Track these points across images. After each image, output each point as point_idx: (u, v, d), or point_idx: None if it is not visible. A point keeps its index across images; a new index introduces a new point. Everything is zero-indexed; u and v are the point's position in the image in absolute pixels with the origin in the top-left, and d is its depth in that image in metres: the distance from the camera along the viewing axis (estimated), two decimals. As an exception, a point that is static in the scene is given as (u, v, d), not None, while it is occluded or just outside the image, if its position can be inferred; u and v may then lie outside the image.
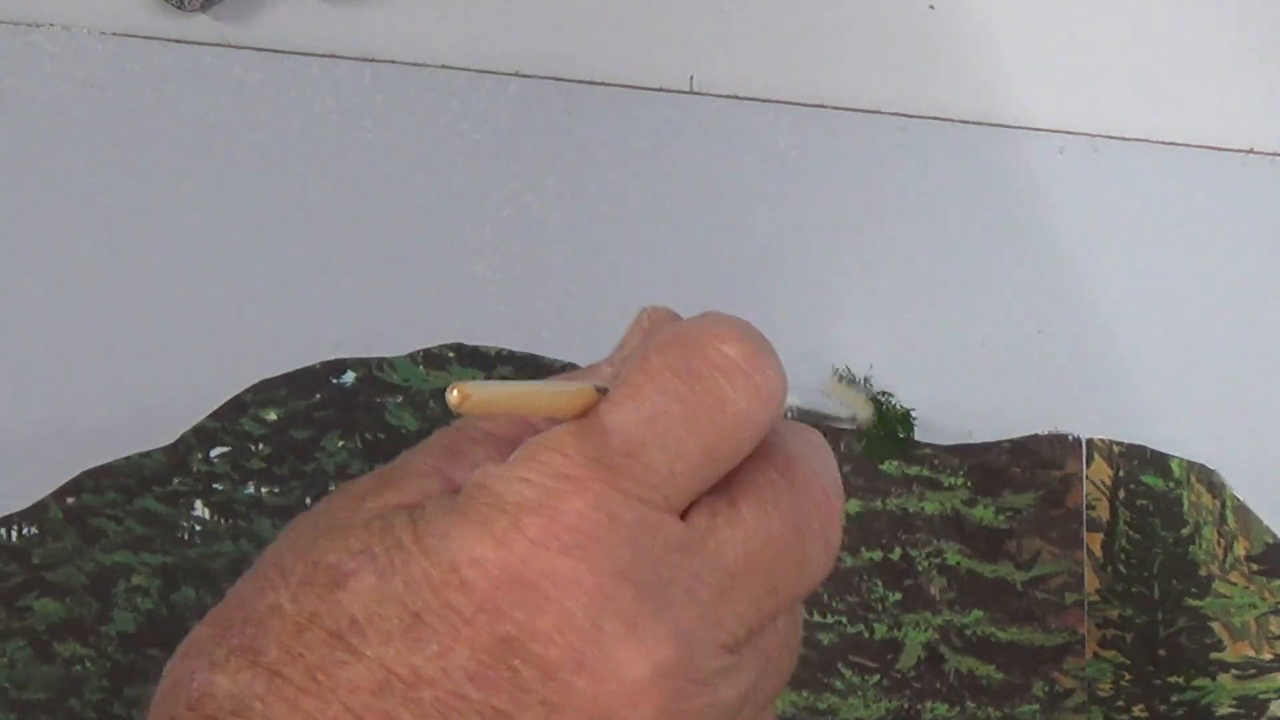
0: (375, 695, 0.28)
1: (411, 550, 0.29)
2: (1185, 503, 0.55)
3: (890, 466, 0.53)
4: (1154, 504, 0.55)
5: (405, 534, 0.29)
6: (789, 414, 0.34)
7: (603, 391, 0.30)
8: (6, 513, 0.48)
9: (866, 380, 0.53)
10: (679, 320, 0.32)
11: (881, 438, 0.53)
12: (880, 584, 0.52)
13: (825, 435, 0.33)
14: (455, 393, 0.27)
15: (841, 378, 0.53)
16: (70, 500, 0.48)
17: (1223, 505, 0.55)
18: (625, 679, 0.28)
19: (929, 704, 0.52)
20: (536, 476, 0.29)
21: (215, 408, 0.49)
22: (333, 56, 0.52)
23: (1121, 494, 0.54)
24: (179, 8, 0.51)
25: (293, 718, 0.28)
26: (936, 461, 0.53)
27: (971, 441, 0.54)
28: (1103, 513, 0.54)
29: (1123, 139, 0.57)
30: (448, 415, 0.29)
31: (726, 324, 0.31)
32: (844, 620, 0.52)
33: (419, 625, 0.28)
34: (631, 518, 0.29)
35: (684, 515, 0.30)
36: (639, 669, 0.28)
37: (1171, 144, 0.57)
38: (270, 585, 0.29)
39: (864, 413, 0.39)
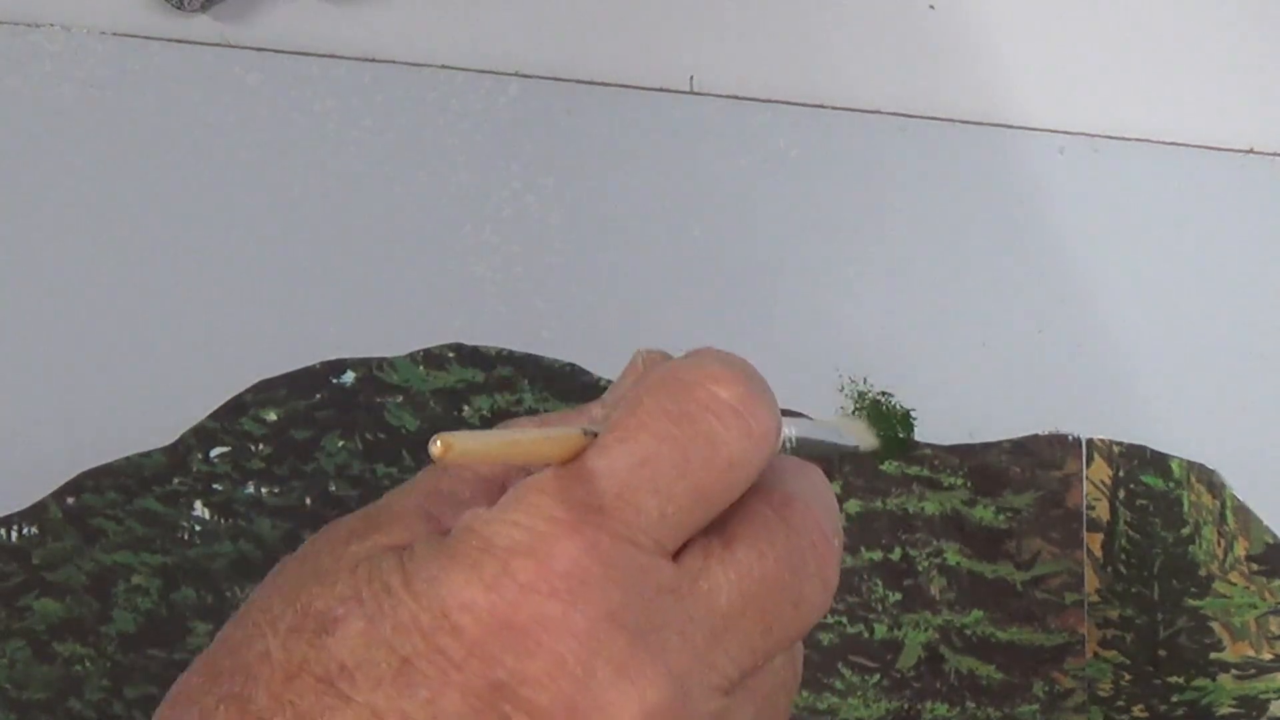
0: None
1: (400, 595, 0.28)
2: (1185, 503, 0.55)
3: (890, 466, 0.53)
4: (1154, 504, 0.55)
5: (393, 578, 0.29)
6: (789, 444, 0.34)
7: (591, 435, 0.30)
8: (6, 513, 0.48)
9: (866, 382, 0.53)
10: (671, 361, 0.32)
11: (881, 438, 0.53)
12: (880, 584, 0.52)
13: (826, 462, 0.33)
14: (438, 444, 0.27)
15: (844, 404, 0.52)
16: (70, 500, 0.48)
17: (1223, 505, 0.55)
18: None
19: (929, 704, 0.52)
20: (526, 520, 0.29)
21: (215, 408, 0.49)
22: (333, 56, 0.52)
23: (1121, 494, 0.54)
24: (179, 8, 0.51)
25: None
26: (936, 461, 0.53)
27: (971, 441, 0.54)
28: (1103, 513, 0.54)
29: (1123, 139, 0.57)
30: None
31: (719, 364, 0.30)
32: (844, 620, 0.52)
33: (409, 670, 0.28)
34: (623, 561, 0.28)
35: (676, 556, 0.30)
36: (631, 712, 0.28)
37: (1171, 144, 0.57)
38: (259, 632, 0.29)
39: (867, 442, 0.38)
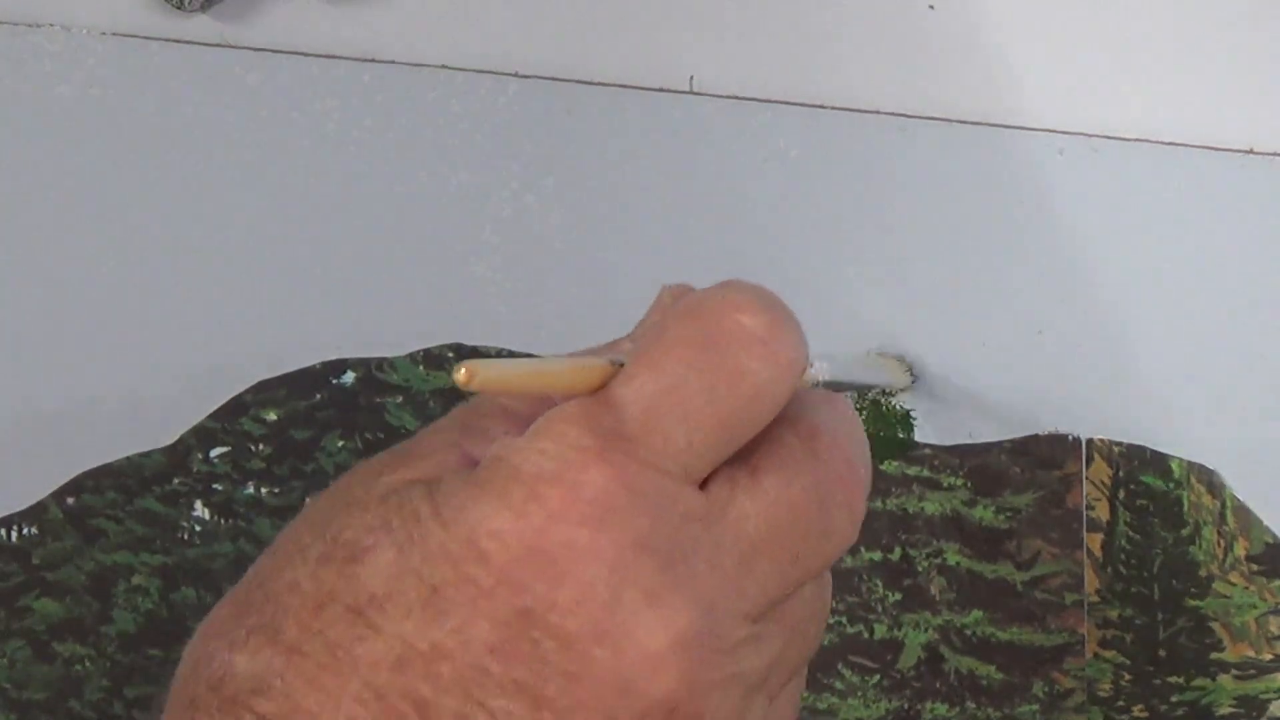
0: (395, 670, 0.28)
1: (429, 524, 0.28)
2: (1185, 503, 0.55)
3: (890, 466, 0.53)
4: (1154, 504, 0.55)
5: (423, 507, 0.29)
6: (818, 381, 0.34)
7: (619, 366, 0.30)
8: (6, 513, 0.48)
9: (902, 358, 0.53)
10: (696, 291, 0.32)
11: (881, 438, 0.53)
12: (880, 584, 0.52)
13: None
14: (463, 371, 0.27)
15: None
16: (70, 500, 0.48)
17: (1223, 505, 0.55)
18: (646, 648, 0.28)
19: (929, 704, 0.52)
20: (554, 448, 0.29)
21: (215, 408, 0.49)
22: (333, 56, 0.52)
23: (1121, 494, 0.54)
24: (179, 8, 0.51)
25: (312, 695, 0.28)
26: (936, 461, 0.53)
27: (971, 441, 0.54)
28: (1103, 513, 0.54)
29: (1123, 139, 0.57)
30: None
31: (745, 293, 0.31)
32: (844, 620, 0.52)
33: (438, 599, 0.28)
34: (650, 488, 0.29)
35: (704, 485, 0.30)
36: (659, 638, 0.28)
37: (1171, 144, 0.57)
38: (288, 563, 0.29)
39: (901, 380, 0.38)
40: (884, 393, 0.53)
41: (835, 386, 0.34)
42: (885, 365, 0.39)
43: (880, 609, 0.52)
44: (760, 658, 0.30)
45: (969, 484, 0.53)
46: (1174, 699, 0.54)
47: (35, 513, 0.48)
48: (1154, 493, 0.55)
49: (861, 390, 0.37)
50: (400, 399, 0.50)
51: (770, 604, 0.30)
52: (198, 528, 0.49)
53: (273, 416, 0.50)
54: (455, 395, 0.51)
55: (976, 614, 0.53)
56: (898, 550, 0.53)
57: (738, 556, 0.30)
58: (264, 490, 0.49)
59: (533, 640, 0.28)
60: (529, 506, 0.28)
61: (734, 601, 0.29)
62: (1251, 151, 0.58)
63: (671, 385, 0.29)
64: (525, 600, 0.28)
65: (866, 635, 0.52)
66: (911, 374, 0.52)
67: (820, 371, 0.34)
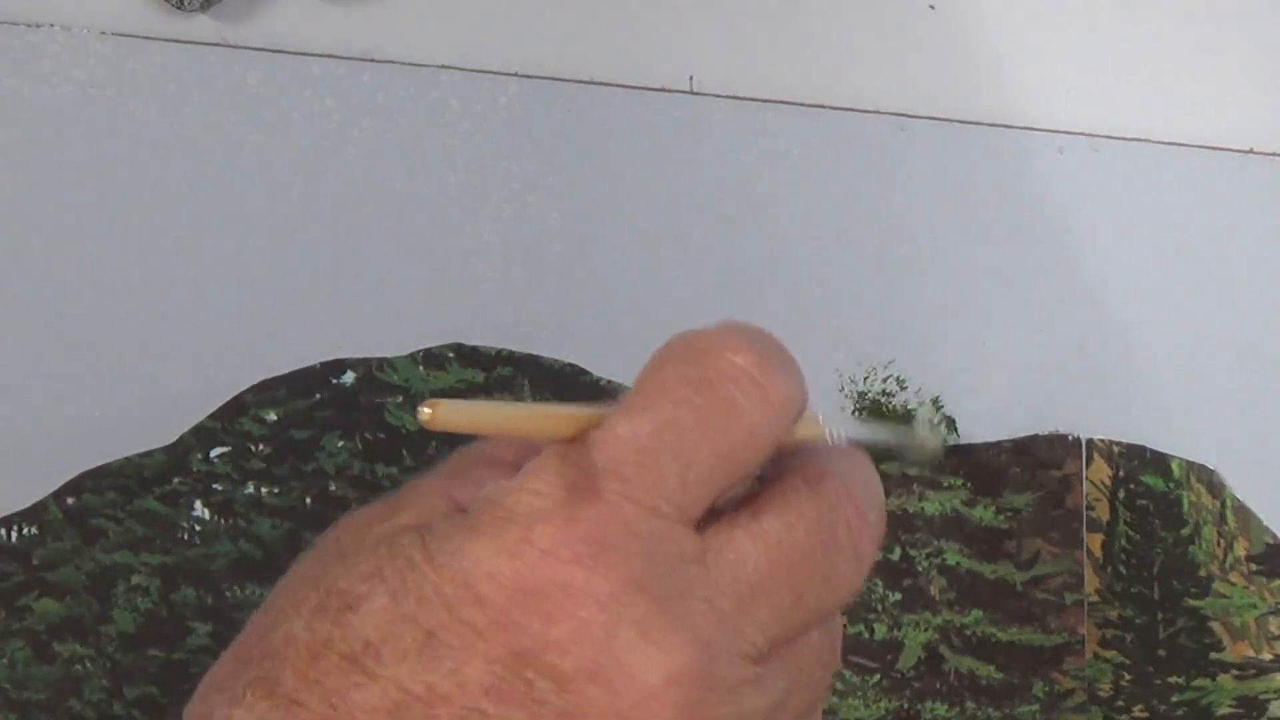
0: (392, 715, 0.28)
1: (423, 568, 0.28)
2: (1185, 503, 0.55)
3: (890, 466, 0.53)
4: (1154, 504, 0.55)
5: (415, 553, 0.29)
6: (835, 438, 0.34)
7: (598, 415, 0.29)
8: (6, 513, 0.48)
9: (865, 382, 0.53)
10: (690, 331, 0.32)
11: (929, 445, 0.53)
12: (880, 584, 0.52)
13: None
14: (426, 411, 0.27)
15: (844, 404, 0.52)
16: (70, 500, 0.48)
17: (1223, 505, 0.55)
18: (641, 687, 0.28)
19: (929, 704, 0.52)
20: (547, 488, 0.29)
21: (215, 408, 0.49)
22: (333, 56, 0.52)
23: (1121, 494, 0.54)
24: (179, 8, 0.51)
25: None
26: (937, 461, 0.53)
27: (971, 441, 0.54)
28: (1103, 513, 0.54)
29: (1123, 139, 0.57)
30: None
31: (738, 333, 0.31)
32: (844, 620, 0.52)
33: (433, 643, 0.28)
34: (644, 527, 0.29)
35: (706, 525, 0.30)
36: (655, 676, 0.28)
37: (1171, 144, 0.57)
38: (284, 617, 0.29)
39: (932, 442, 0.38)
40: (884, 393, 0.53)
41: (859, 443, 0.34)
42: (921, 433, 0.39)
43: (880, 609, 0.52)
44: (763, 698, 0.30)
45: (969, 484, 0.53)
46: (1174, 699, 0.54)
47: (35, 513, 0.48)
48: (1154, 493, 0.55)
49: (889, 450, 0.36)
50: (400, 399, 0.50)
51: (771, 646, 0.30)
52: (198, 528, 0.49)
53: (273, 416, 0.50)
54: (455, 396, 0.51)
55: (976, 614, 0.53)
56: (898, 550, 0.53)
57: (736, 597, 0.29)
58: (264, 490, 0.49)
59: (528, 681, 0.28)
60: (523, 546, 0.28)
61: (733, 641, 0.29)
62: (1251, 151, 0.58)
63: (664, 424, 0.29)
64: (520, 641, 0.28)
65: (866, 635, 0.52)
66: (876, 403, 0.52)
67: (837, 432, 0.34)
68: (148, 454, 0.49)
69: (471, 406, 0.29)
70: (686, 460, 0.29)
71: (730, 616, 0.29)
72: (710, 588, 0.29)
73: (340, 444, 0.50)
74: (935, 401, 0.54)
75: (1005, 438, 0.54)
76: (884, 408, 0.53)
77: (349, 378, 0.50)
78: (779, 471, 0.31)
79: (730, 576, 0.29)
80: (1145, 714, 0.53)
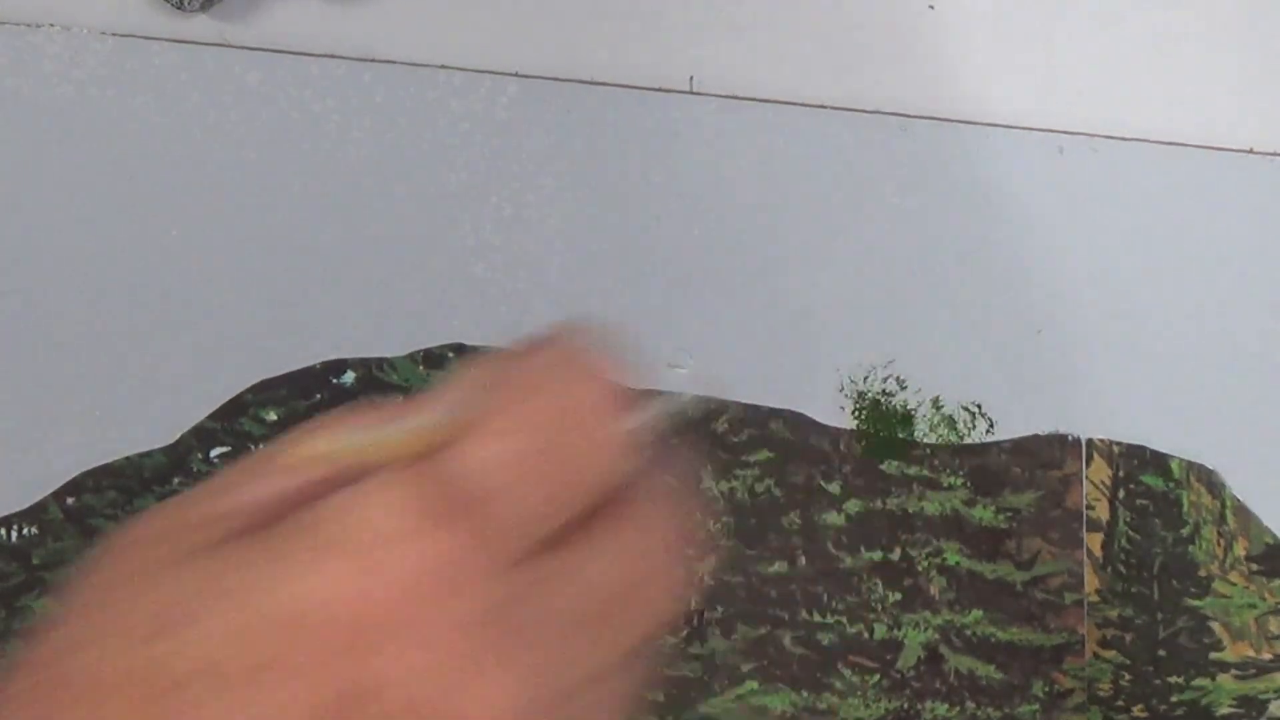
0: None
1: (241, 596, 0.26)
2: (1185, 503, 0.55)
3: (890, 466, 0.53)
4: (1154, 504, 0.55)
5: (232, 578, 0.26)
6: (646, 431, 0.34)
7: (437, 432, 0.29)
8: (6, 513, 0.48)
9: (865, 381, 0.53)
10: (528, 359, 0.31)
11: (881, 438, 0.53)
12: (880, 584, 0.52)
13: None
14: (286, 453, 0.27)
15: (843, 404, 0.52)
16: (70, 500, 0.48)
17: (1223, 505, 0.55)
18: None
19: (929, 704, 0.52)
20: (378, 517, 0.27)
21: (215, 408, 0.49)
22: (333, 56, 0.52)
23: (1121, 494, 0.54)
24: (179, 8, 0.51)
25: None
26: (936, 461, 0.53)
27: (971, 441, 0.54)
28: (1103, 513, 0.54)
29: (1123, 139, 0.57)
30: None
31: (577, 367, 0.30)
32: (844, 620, 0.52)
33: (251, 677, 0.26)
34: (475, 563, 0.28)
35: (528, 559, 0.29)
36: (483, 714, 0.27)
37: (1171, 144, 0.57)
38: (80, 641, 0.26)
39: (686, 399, 0.37)
40: (883, 393, 0.53)
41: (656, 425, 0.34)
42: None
43: (880, 609, 0.52)
44: None
45: (969, 484, 0.53)
46: (1174, 699, 0.54)
47: (35, 513, 0.48)
48: (1154, 493, 0.55)
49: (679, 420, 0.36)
50: (400, 399, 0.50)
51: (590, 680, 0.29)
52: (198, 528, 0.49)
53: (273, 416, 0.50)
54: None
55: (976, 614, 0.53)
56: (898, 550, 0.53)
57: (559, 631, 0.29)
58: (264, 490, 0.49)
59: (350, 719, 0.26)
60: (351, 578, 0.26)
61: (557, 676, 0.28)
62: (1251, 151, 0.58)
63: (500, 461, 0.28)
64: (345, 676, 0.26)
65: (866, 635, 0.52)
66: (876, 402, 0.52)
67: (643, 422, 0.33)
68: (148, 454, 0.49)
69: (322, 442, 0.28)
70: (518, 497, 0.28)
71: (555, 651, 0.29)
72: (536, 623, 0.28)
73: (340, 444, 0.50)
74: (935, 401, 0.54)
75: (1005, 438, 0.54)
76: (883, 407, 0.53)
77: (349, 378, 0.50)
78: (600, 500, 0.30)
79: (555, 610, 0.29)
80: (1145, 714, 0.53)
